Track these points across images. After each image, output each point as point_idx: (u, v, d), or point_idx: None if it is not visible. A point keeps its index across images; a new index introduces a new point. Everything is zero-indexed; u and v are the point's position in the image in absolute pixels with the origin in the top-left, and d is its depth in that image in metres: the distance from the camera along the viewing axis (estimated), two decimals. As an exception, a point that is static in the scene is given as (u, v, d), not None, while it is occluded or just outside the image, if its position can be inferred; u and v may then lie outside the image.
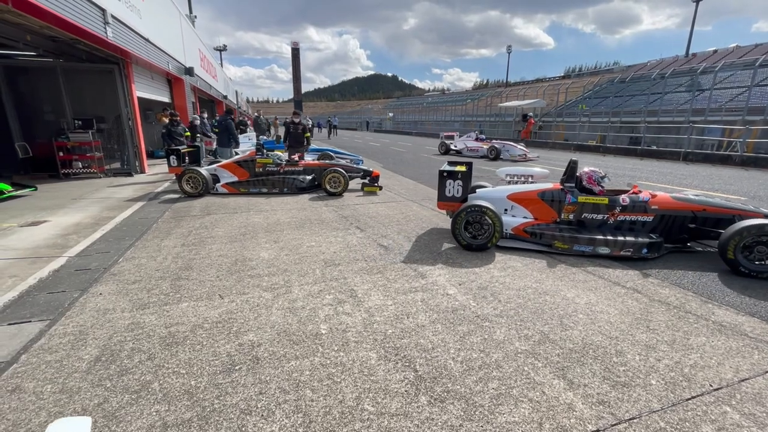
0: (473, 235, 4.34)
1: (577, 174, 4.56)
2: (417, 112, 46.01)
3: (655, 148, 16.55)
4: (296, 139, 9.32)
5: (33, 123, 9.69)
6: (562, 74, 72.36)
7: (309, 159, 9.04)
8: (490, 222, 4.23)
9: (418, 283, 3.46)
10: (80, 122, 9.06)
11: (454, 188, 4.83)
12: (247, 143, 12.15)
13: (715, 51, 32.37)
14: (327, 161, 8.64)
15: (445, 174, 4.82)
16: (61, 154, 8.94)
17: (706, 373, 2.24)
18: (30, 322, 2.79)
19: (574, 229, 4.36)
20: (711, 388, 2.12)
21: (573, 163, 4.58)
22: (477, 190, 4.96)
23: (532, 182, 5.15)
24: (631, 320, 2.84)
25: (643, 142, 17.32)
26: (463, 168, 4.91)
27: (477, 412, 1.93)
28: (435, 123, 39.98)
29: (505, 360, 2.35)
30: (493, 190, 4.85)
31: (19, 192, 6.98)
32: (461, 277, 3.60)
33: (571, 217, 4.43)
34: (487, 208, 4.21)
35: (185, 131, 10.41)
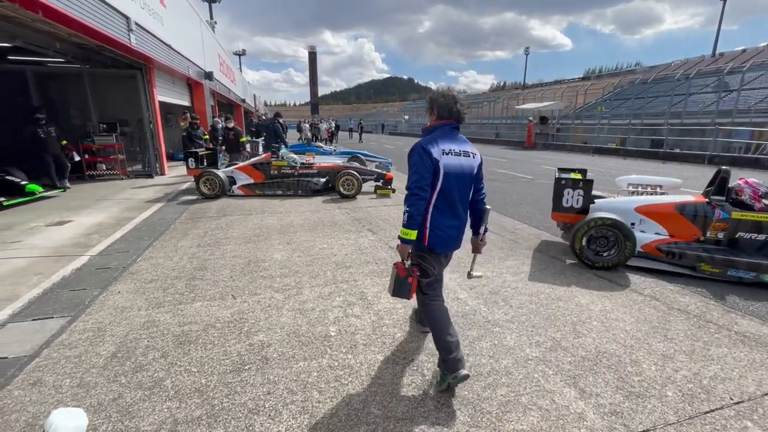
0: (597, 251, 3.93)
1: (731, 185, 3.84)
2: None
3: (678, 151, 16.04)
4: (231, 145, 9.85)
5: (61, 126, 10.10)
6: (582, 76, 70.99)
7: (339, 161, 9.60)
8: (621, 237, 3.77)
9: (429, 286, 3.44)
10: (105, 126, 9.39)
11: (573, 198, 4.29)
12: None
13: (744, 50, 31.19)
14: (340, 164, 8.70)
15: (563, 182, 4.31)
16: (86, 156, 9.28)
17: (726, 386, 2.15)
18: (52, 318, 2.90)
19: (727, 250, 3.70)
20: (731, 401, 2.04)
21: (724, 172, 3.82)
22: (595, 200, 4.39)
23: (661, 193, 4.62)
24: (648, 328, 2.75)
25: (665, 145, 16.82)
26: (579, 175, 4.47)
27: (484, 419, 1.91)
28: (450, 125, 39.70)
29: (514, 366, 2.31)
30: (618, 201, 4.27)
31: (49, 193, 7.25)
32: (473, 281, 3.56)
33: (720, 235, 3.75)
34: (620, 222, 3.76)
35: (204, 134, 10.68)
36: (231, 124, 9.98)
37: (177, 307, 3.06)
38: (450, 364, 2.01)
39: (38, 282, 3.51)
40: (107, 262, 4.03)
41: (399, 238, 2.05)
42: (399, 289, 2.11)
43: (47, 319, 2.88)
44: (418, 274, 2.14)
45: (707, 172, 11.69)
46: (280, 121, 10.76)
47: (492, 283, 3.51)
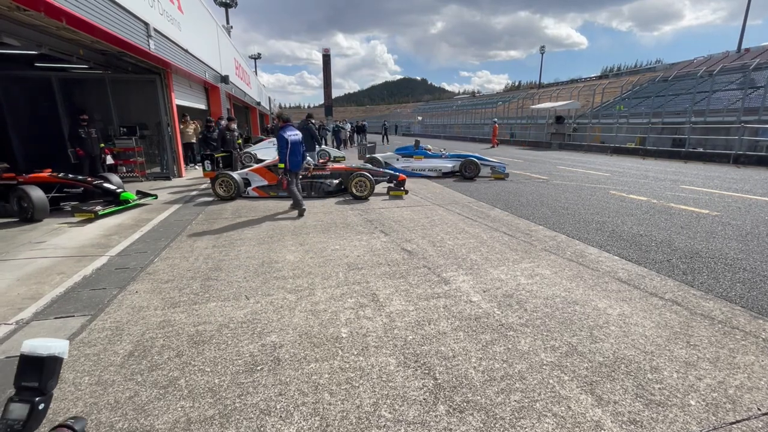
0: None
1: None
2: (446, 116, 45.65)
3: (701, 150, 15.53)
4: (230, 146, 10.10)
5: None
6: (599, 74, 69.53)
7: (449, 165, 10.42)
8: None
9: (441, 289, 3.41)
10: (125, 129, 9.66)
11: None
12: (270, 148, 12.57)
13: (771, 45, 30.01)
14: (353, 165, 8.72)
15: None
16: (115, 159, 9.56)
17: (754, 396, 2.06)
18: (73, 316, 2.99)
19: None
20: (759, 412, 1.94)
21: None
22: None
23: None
24: (669, 334, 2.66)
25: (687, 144, 16.31)
26: None
27: (497, 425, 1.87)
28: (464, 126, 39.50)
29: (529, 371, 2.26)
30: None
31: (143, 201, 6.94)
32: (486, 284, 3.52)
33: None
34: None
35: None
36: (234, 126, 10.17)
37: (192, 307, 3.11)
38: (301, 207, 6.10)
39: (61, 281, 3.62)
40: (126, 263, 4.13)
41: (278, 167, 6.14)
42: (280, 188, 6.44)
43: (68, 318, 2.96)
44: (289, 179, 6.14)
45: (732, 172, 11.31)
46: (312, 122, 10.93)
47: (506, 286, 3.45)
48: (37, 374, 0.68)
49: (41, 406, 0.68)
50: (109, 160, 8.93)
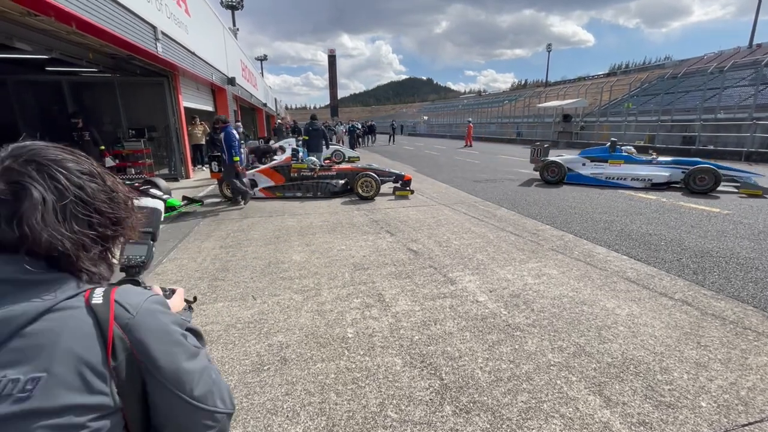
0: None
1: None
2: (452, 115, 45.55)
3: (712, 147, 15.30)
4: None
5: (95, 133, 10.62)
6: (607, 72, 68.77)
7: (663, 173, 8.07)
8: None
9: (447, 289, 3.40)
10: (134, 131, 9.78)
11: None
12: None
13: (784, 40, 29.42)
14: (359, 165, 8.73)
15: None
16: (117, 161, 9.68)
17: (767, 397, 2.02)
18: (84, 316, 3.03)
19: None
20: (772, 414, 1.91)
21: None
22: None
23: None
24: (679, 335, 2.62)
25: (698, 142, 16.06)
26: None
27: (504, 426, 1.86)
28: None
29: (536, 372, 2.25)
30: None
31: (188, 208, 6.72)
32: (493, 284, 3.50)
33: None
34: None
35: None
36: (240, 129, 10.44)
37: (200, 307, 3.13)
38: (247, 195, 6.97)
39: (71, 282, 3.67)
40: (135, 263, 4.18)
41: (233, 161, 6.75)
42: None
43: (79, 318, 3.00)
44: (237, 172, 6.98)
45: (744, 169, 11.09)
46: (326, 124, 11.29)
47: (513, 286, 3.43)
48: (149, 221, 0.90)
49: (153, 247, 0.93)
50: (109, 162, 8.96)
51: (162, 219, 0.95)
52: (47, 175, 0.59)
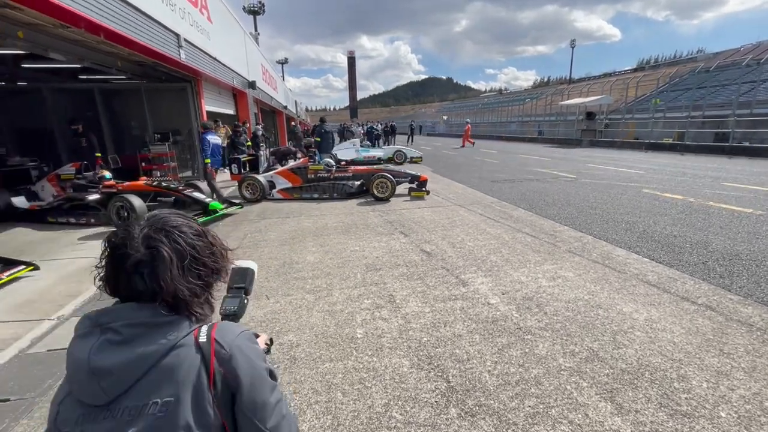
0: None
1: None
2: (472, 114, 45.03)
3: (747, 144, 14.53)
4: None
5: (123, 137, 11.10)
6: (635, 66, 66.31)
7: None
8: None
9: (459, 290, 3.38)
10: (159, 135, 10.15)
11: None
12: (350, 148, 14.39)
13: (829, 29, 27.56)
14: (374, 167, 8.76)
15: None
16: (143, 164, 10.08)
17: (793, 409, 1.92)
18: (108, 313, 3.17)
19: None
20: (798, 427, 1.81)
21: None
22: None
23: None
24: (701, 341, 2.51)
25: (731, 138, 15.29)
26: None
27: (509, 430, 1.84)
28: (491, 125, 38.82)
29: (545, 376, 2.21)
30: None
31: (230, 210, 6.80)
32: (506, 286, 3.45)
33: None
34: None
35: (247, 141, 11.24)
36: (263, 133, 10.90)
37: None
38: (223, 197, 7.17)
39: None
40: (157, 263, 4.35)
41: (205, 162, 7.53)
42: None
43: (103, 315, 3.15)
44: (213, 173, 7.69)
45: (782, 168, 10.48)
46: (327, 125, 11.60)
47: (526, 289, 3.38)
48: (243, 279, 1.05)
49: (246, 300, 1.05)
50: (105, 173, 8.68)
51: (255, 276, 1.08)
52: (172, 240, 0.77)
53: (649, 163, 12.56)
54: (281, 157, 13.01)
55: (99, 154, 8.47)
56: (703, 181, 8.69)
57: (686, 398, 2.01)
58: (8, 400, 2.19)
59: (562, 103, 27.57)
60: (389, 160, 14.48)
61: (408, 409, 2.00)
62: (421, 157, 15.07)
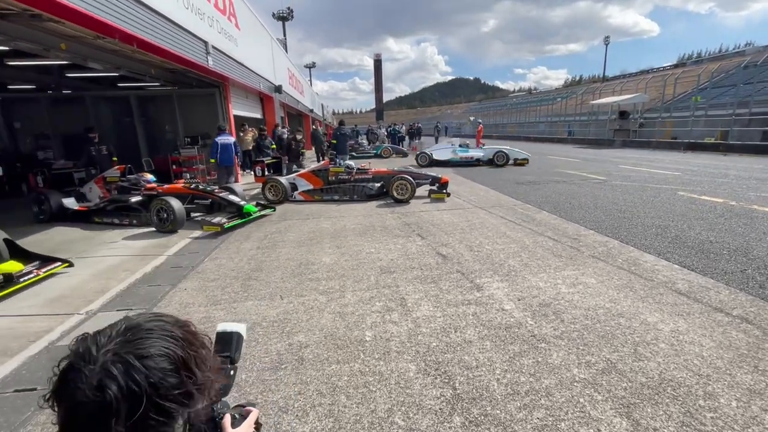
0: None
1: None
2: (499, 115, 44.17)
3: (800, 143, 13.43)
4: (294, 154, 11.42)
5: (156, 141, 11.66)
6: (675, 63, 62.84)
7: None
8: None
9: (473, 295, 3.30)
10: (189, 139, 10.58)
11: None
12: (448, 148, 14.53)
13: None
14: (395, 169, 8.74)
15: None
16: (174, 167, 10.53)
17: (836, 435, 1.74)
18: (131, 310, 3.32)
19: None
20: (841, 455, 1.63)
21: None
22: None
23: None
24: (733, 356, 2.33)
25: (782, 137, 14.18)
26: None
27: (514, 443, 1.77)
28: (518, 125, 37.92)
29: (557, 388, 2.11)
30: None
31: (264, 212, 6.91)
32: (522, 291, 3.34)
33: None
34: None
35: (272, 144, 11.53)
36: (299, 136, 11.13)
37: (231, 305, 3.31)
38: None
39: (125, 277, 4.05)
40: (180, 262, 4.52)
41: (211, 161, 9.02)
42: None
43: (127, 311, 3.30)
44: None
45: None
46: (345, 128, 11.85)
47: (543, 295, 3.25)
48: (228, 347, 0.87)
49: (232, 372, 0.86)
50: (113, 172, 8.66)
51: (243, 342, 0.91)
52: (130, 377, 0.55)
53: (687, 164, 11.86)
54: (287, 151, 12.45)
55: (115, 158, 8.78)
56: (748, 183, 8.10)
57: (712, 417, 1.86)
58: (35, 389, 2.32)
59: (594, 102, 26.52)
60: (490, 162, 13.49)
61: (411, 415, 1.96)
62: (527, 159, 13.57)
